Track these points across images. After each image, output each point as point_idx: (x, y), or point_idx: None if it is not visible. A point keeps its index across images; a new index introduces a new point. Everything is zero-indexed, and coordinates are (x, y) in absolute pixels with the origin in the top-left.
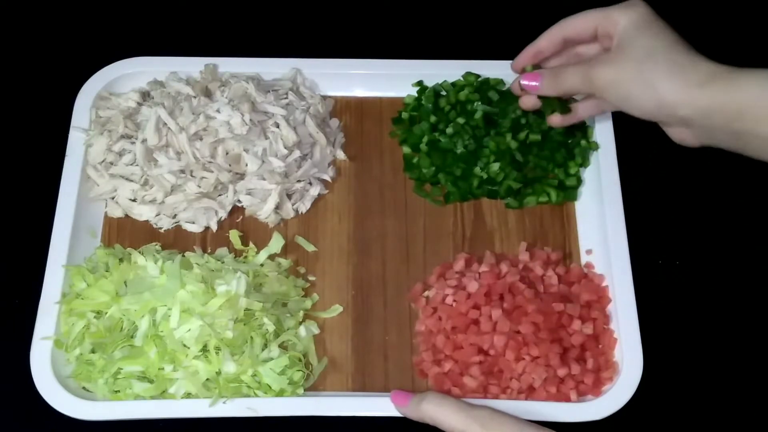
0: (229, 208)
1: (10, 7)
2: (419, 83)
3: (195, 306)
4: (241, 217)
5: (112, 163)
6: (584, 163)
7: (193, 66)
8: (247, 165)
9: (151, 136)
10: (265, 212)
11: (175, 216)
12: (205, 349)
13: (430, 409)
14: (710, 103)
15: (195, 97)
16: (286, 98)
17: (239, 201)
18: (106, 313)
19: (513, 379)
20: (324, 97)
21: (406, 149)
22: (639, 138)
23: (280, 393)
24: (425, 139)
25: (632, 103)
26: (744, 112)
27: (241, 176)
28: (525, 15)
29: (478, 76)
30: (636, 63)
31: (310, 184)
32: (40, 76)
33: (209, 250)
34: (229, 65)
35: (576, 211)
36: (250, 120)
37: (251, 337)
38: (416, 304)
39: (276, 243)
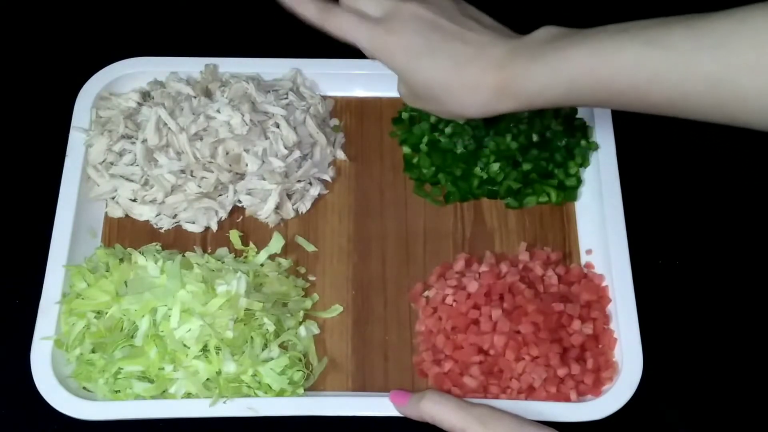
0: (229, 208)
1: (10, 7)
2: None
3: (195, 306)
4: (241, 217)
5: (112, 163)
6: (584, 163)
7: (193, 66)
8: (247, 165)
9: (151, 136)
10: (265, 212)
11: (175, 216)
12: (205, 349)
13: (429, 407)
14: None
15: (195, 97)
16: (286, 98)
17: (239, 201)
18: (107, 313)
19: (513, 379)
20: (324, 97)
21: (406, 149)
22: (639, 138)
23: (281, 393)
24: (425, 139)
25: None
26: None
27: (241, 176)
28: (525, 15)
29: None
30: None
31: (310, 184)
32: (41, 77)
33: (209, 250)
34: (229, 65)
35: (576, 211)
36: (251, 120)
37: (251, 337)
38: (416, 304)
39: (276, 243)
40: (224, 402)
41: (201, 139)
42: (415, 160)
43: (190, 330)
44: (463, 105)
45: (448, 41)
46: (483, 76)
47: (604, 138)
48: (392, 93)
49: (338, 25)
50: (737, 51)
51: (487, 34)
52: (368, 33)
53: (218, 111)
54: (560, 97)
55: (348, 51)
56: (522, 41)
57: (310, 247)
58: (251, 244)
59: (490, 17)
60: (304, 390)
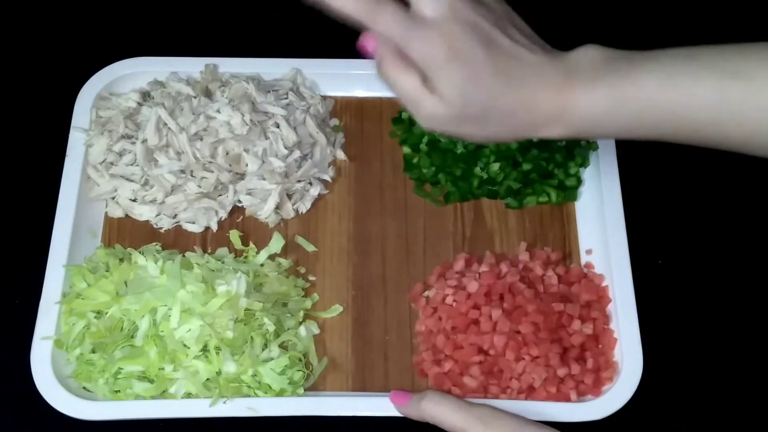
0: (229, 208)
1: (10, 7)
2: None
3: (195, 306)
4: (242, 217)
5: (112, 163)
6: (584, 163)
7: (193, 66)
8: (247, 165)
9: (151, 137)
10: (266, 212)
11: (175, 216)
12: (205, 349)
13: (430, 407)
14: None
15: (195, 97)
16: (286, 98)
17: (239, 201)
18: (107, 313)
19: (513, 379)
20: (324, 97)
21: (406, 149)
22: None
23: (281, 393)
24: (425, 139)
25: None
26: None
27: (242, 176)
28: (525, 15)
29: None
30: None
31: (310, 184)
32: (41, 77)
33: (209, 250)
34: (229, 65)
35: (576, 211)
36: (251, 120)
37: (251, 337)
38: (416, 304)
39: (276, 243)
40: (224, 402)
41: (201, 139)
42: (415, 160)
43: (190, 330)
44: (509, 127)
45: (502, 59)
46: (539, 98)
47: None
48: (392, 93)
49: (384, 21)
50: None
51: (538, 52)
52: (413, 30)
53: (218, 111)
54: (622, 127)
55: (348, 51)
56: (574, 62)
57: (310, 247)
58: (251, 244)
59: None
60: (304, 390)
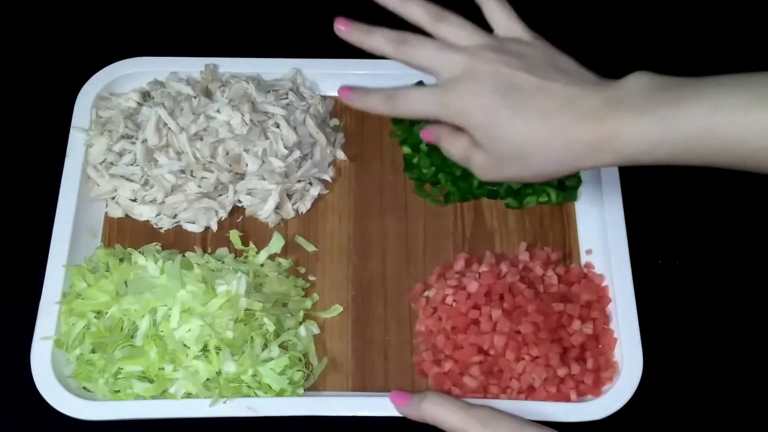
0: (229, 208)
1: (10, 7)
2: (420, 83)
3: (195, 306)
4: (242, 217)
5: (112, 163)
6: None
7: (193, 66)
8: (247, 165)
9: (151, 137)
10: (266, 212)
11: (175, 216)
12: (205, 349)
13: (430, 408)
14: (651, 137)
15: (195, 97)
16: (286, 98)
17: (239, 201)
18: (107, 313)
19: (513, 379)
20: (324, 97)
21: (406, 149)
22: None
23: (280, 393)
24: None
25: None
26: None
27: (242, 176)
28: (525, 15)
29: None
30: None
31: (310, 184)
32: (41, 77)
33: (209, 250)
34: (229, 65)
35: (576, 211)
36: (251, 120)
37: (251, 337)
38: (416, 304)
39: (276, 243)
40: (224, 402)
41: (201, 139)
42: (415, 160)
43: (190, 330)
44: (554, 163)
45: (529, 97)
46: (576, 128)
47: None
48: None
49: (408, 105)
50: None
51: (574, 84)
52: (439, 99)
53: (218, 111)
54: (670, 156)
55: (348, 51)
56: (618, 90)
57: (310, 247)
58: (251, 244)
59: (576, 61)
60: (304, 390)
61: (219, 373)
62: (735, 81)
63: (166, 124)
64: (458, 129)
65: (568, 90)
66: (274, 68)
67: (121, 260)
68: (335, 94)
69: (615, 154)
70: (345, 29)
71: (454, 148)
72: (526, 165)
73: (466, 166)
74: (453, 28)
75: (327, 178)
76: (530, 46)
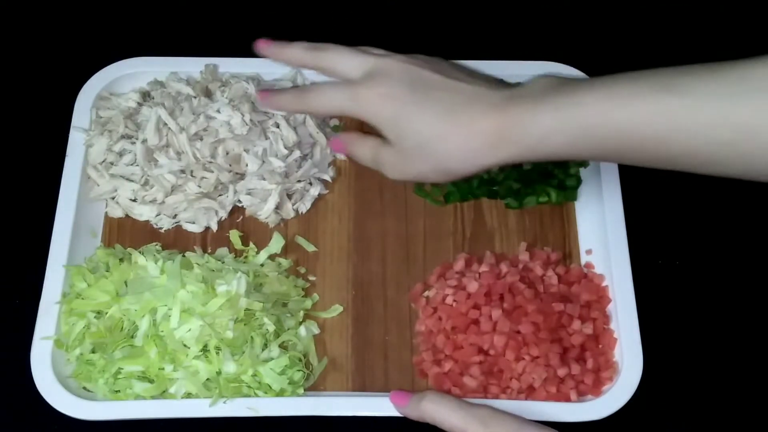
0: (229, 208)
1: (10, 7)
2: None
3: (195, 306)
4: (242, 217)
5: (112, 163)
6: (584, 163)
7: (193, 66)
8: (247, 165)
9: (151, 137)
10: (266, 212)
11: (175, 216)
12: (205, 349)
13: (429, 407)
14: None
15: (195, 97)
16: None
17: (239, 201)
18: (107, 313)
19: (513, 379)
20: None
21: None
22: None
23: (281, 393)
24: None
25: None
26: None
27: (242, 176)
28: (526, 15)
29: None
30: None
31: (310, 184)
32: (40, 77)
33: (209, 250)
34: (229, 65)
35: (576, 211)
36: (251, 120)
37: (251, 337)
38: (416, 304)
39: (276, 243)
40: (224, 402)
41: (201, 139)
42: None
43: (190, 330)
44: (456, 156)
45: (435, 91)
46: (479, 120)
47: None
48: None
49: (318, 100)
50: None
51: (480, 84)
52: (349, 92)
53: (218, 111)
54: (567, 146)
55: None
56: (521, 89)
57: (310, 247)
58: (251, 244)
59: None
60: (304, 390)
61: (219, 373)
62: (627, 75)
63: (166, 124)
64: (366, 134)
65: (474, 88)
66: (274, 68)
67: (121, 260)
68: None
69: (513, 145)
70: (264, 45)
71: (363, 150)
72: (430, 160)
73: (377, 167)
74: (345, 56)
75: (327, 178)
76: (435, 58)
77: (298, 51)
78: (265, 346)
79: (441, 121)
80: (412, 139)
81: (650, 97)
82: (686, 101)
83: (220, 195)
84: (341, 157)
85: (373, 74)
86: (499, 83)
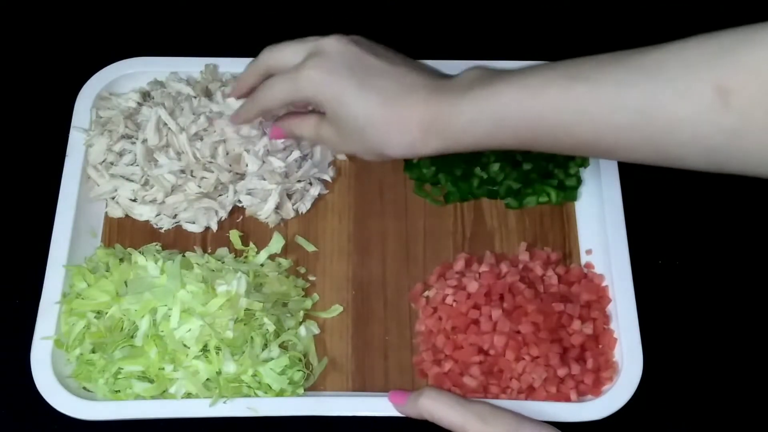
0: (229, 208)
1: (10, 7)
2: None
3: (195, 306)
4: (242, 217)
5: (112, 163)
6: (584, 163)
7: (193, 66)
8: (247, 165)
9: (151, 137)
10: (266, 212)
11: (175, 216)
12: (205, 349)
13: (427, 404)
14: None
15: (195, 97)
16: None
17: (239, 201)
18: (107, 313)
19: (513, 379)
20: None
21: None
22: None
23: (281, 393)
24: None
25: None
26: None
27: (242, 176)
28: (526, 15)
29: None
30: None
31: (311, 184)
32: (41, 77)
33: (209, 250)
34: (229, 65)
35: (576, 211)
36: None
37: (251, 337)
38: (416, 304)
39: (276, 243)
40: (224, 402)
41: (201, 139)
42: (415, 160)
43: (190, 330)
44: (388, 143)
45: (375, 76)
46: (410, 112)
47: None
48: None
49: (267, 95)
50: (667, 80)
51: (416, 73)
52: (292, 76)
53: (221, 112)
54: (486, 135)
55: None
56: (451, 81)
57: (310, 247)
58: (251, 244)
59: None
60: (304, 390)
61: (219, 373)
62: (544, 65)
63: (166, 124)
64: (305, 113)
65: (410, 77)
66: None
67: (121, 260)
68: None
69: (441, 137)
70: (234, 120)
71: (304, 128)
72: (366, 143)
73: (319, 142)
74: (282, 49)
75: (327, 178)
76: (374, 43)
77: (248, 82)
78: (265, 346)
79: (377, 109)
80: (351, 123)
81: (559, 86)
82: (588, 87)
83: (220, 195)
84: (342, 156)
85: (313, 54)
86: (434, 73)
